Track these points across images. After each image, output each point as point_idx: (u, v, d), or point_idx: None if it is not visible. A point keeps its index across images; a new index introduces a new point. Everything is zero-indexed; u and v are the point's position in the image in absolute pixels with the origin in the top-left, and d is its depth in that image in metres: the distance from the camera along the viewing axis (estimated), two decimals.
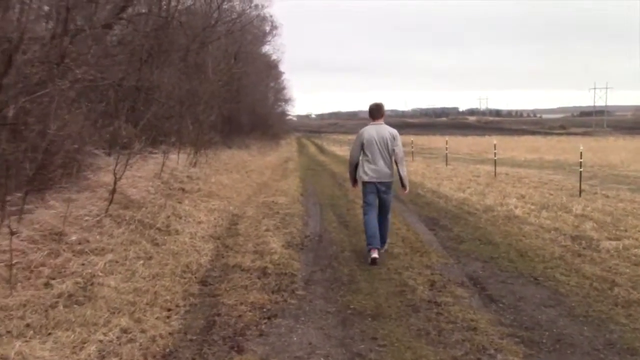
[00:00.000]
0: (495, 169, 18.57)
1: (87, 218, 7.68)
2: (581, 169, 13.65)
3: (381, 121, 7.37)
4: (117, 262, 6.27)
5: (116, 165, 8.55)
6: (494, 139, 21.77)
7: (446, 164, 23.27)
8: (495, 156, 19.40)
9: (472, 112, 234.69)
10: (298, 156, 36.32)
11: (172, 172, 13.68)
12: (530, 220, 9.41)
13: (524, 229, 8.69)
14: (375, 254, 6.95)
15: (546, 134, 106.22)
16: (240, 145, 34.66)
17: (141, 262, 6.30)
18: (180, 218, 9.02)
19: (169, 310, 5.03)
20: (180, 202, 10.39)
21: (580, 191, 13.19)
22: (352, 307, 5.18)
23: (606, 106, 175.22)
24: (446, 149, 25.11)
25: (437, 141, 58.88)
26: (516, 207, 10.62)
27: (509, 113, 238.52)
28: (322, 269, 6.56)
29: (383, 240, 7.33)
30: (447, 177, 17.18)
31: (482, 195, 12.58)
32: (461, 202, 11.76)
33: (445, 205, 11.49)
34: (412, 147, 29.64)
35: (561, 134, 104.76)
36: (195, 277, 6.06)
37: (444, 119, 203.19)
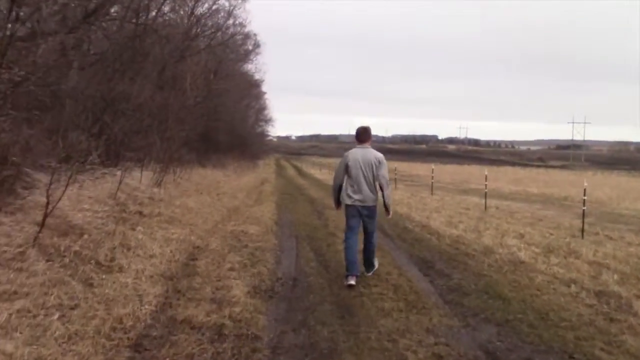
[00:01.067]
0: (485, 202, 17.35)
1: (6, 249, 6.20)
2: (584, 207, 12.45)
3: (367, 144, 7.29)
4: (28, 312, 4.81)
5: (50, 182, 7.09)
6: (485, 170, 20.70)
7: (431, 194, 22.03)
8: (486, 188, 18.18)
9: (451, 140, 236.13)
10: (275, 178, 34.88)
11: (132, 192, 12.22)
12: (539, 268, 8.09)
13: (536, 279, 7.35)
14: (352, 281, 6.86)
15: (525, 165, 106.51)
16: (216, 164, 33.27)
17: (59, 313, 4.83)
18: (129, 250, 7.56)
19: None
20: (133, 229, 8.93)
21: (583, 232, 11.98)
22: None
23: (584, 140, 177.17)
24: (432, 177, 23.88)
25: (417, 168, 57.94)
26: (519, 250, 9.31)
27: (487, 143, 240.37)
28: (295, 329, 5.14)
29: (370, 264, 7.32)
30: (435, 209, 15.90)
31: (478, 233, 11.27)
32: (455, 240, 10.42)
33: (438, 243, 10.14)
34: (396, 174, 28.41)
35: (540, 166, 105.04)
36: (128, 339, 4.59)
37: (423, 146, 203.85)
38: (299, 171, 49.47)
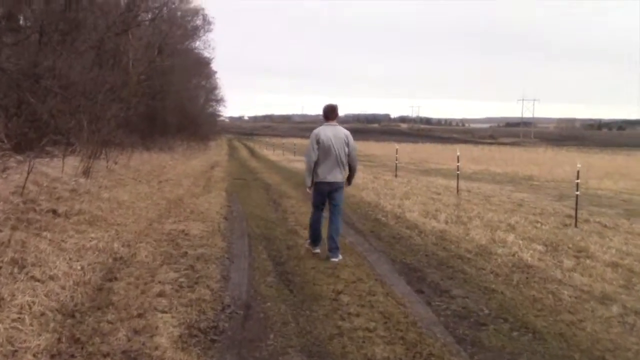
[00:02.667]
0: (457, 185, 15.82)
1: None
2: (577, 192, 10.92)
3: (335, 122, 7.33)
4: None
5: None
6: (457, 148, 19.31)
7: (395, 176, 20.41)
8: (458, 169, 16.63)
9: (403, 119, 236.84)
10: (227, 161, 32.83)
11: (50, 184, 10.15)
12: (554, 275, 6.46)
13: (560, 295, 5.69)
14: (318, 250, 7.39)
15: (477, 143, 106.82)
16: (163, 147, 31.12)
17: None
18: (22, 269, 5.58)
19: None
20: (38, 236, 6.92)
21: (576, 220, 10.49)
22: None
23: (533, 117, 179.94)
24: (396, 159, 22.23)
25: (372, 147, 56.40)
26: (520, 249, 7.68)
27: (439, 121, 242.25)
28: None
29: (336, 246, 7.12)
30: (405, 195, 14.23)
31: (463, 226, 9.63)
32: (440, 236, 8.73)
33: (422, 241, 8.40)
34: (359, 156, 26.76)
35: (492, 144, 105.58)
36: None
37: (375, 125, 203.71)
38: (252, 152, 47.39)
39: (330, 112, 7.29)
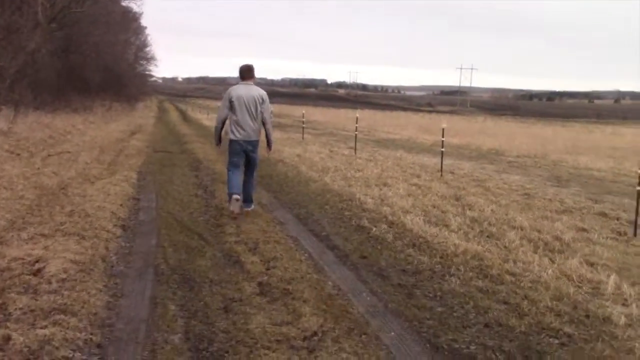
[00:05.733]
0: (442, 166, 12.52)
1: None
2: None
3: (251, 82, 7.38)
4: None
5: None
6: (440, 119, 15.97)
7: (355, 151, 16.89)
8: (442, 146, 13.27)
9: (339, 85, 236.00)
10: (153, 125, 28.63)
11: None
12: None
13: None
14: (237, 202, 7.09)
15: (416, 110, 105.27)
16: (79, 107, 26.72)
17: None
18: None
19: None
20: None
21: (636, 228, 7.32)
22: None
23: (470, 87, 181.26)
24: (356, 128, 18.58)
25: (313, 113, 52.80)
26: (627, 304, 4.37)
27: (375, 88, 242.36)
28: None
29: (250, 200, 7.45)
30: (380, 179, 10.76)
31: (497, 242, 6.24)
32: (480, 269, 5.26)
33: (460, 283, 4.83)
34: (304, 123, 23.06)
35: (431, 112, 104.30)
36: None
37: (313, 89, 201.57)
38: (184, 116, 43.02)
39: (245, 72, 7.34)
